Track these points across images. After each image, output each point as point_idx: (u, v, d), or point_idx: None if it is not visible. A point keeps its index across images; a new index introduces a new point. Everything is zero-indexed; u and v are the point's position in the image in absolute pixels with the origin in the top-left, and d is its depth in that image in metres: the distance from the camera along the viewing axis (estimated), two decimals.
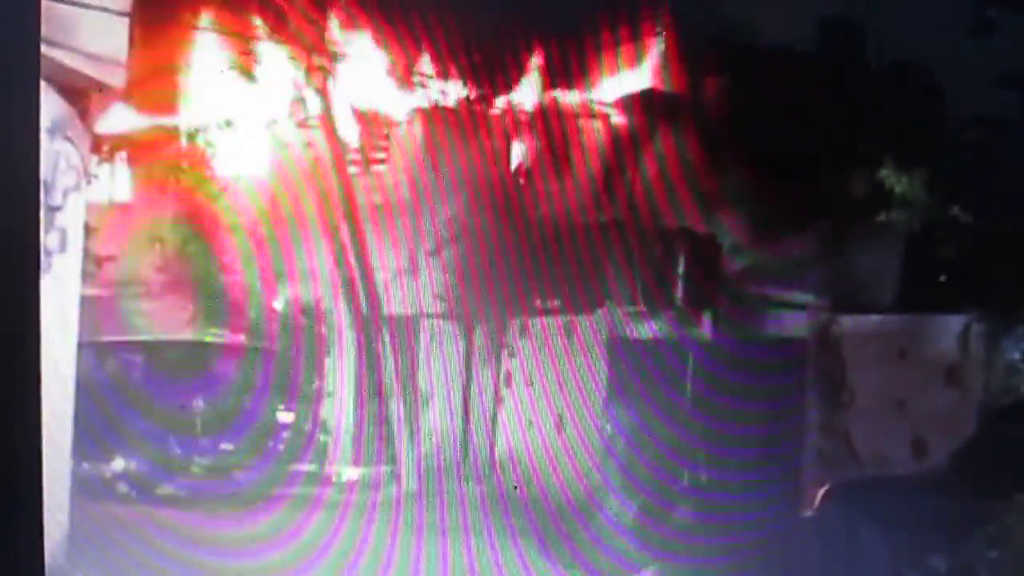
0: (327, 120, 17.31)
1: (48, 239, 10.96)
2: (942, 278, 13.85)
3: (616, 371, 15.17)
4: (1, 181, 5.46)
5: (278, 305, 17.90)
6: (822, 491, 12.51)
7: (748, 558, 11.92)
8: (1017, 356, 13.13)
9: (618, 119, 17.00)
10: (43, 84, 10.19)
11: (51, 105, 11.29)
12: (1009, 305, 13.07)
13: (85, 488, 14.83)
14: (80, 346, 16.59)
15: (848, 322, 14.44)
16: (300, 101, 17.52)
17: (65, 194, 11.49)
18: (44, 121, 10.31)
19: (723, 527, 12.82)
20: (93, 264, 16.67)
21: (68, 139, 11.84)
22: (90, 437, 14.64)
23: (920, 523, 11.77)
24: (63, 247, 11.78)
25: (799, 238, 15.13)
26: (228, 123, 18.04)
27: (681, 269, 15.62)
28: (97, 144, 17.34)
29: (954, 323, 13.63)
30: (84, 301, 17.28)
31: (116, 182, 18.07)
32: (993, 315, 13.27)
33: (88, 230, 16.52)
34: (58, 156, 11.58)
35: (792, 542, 12.07)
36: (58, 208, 11.45)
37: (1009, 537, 11.50)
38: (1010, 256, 13.12)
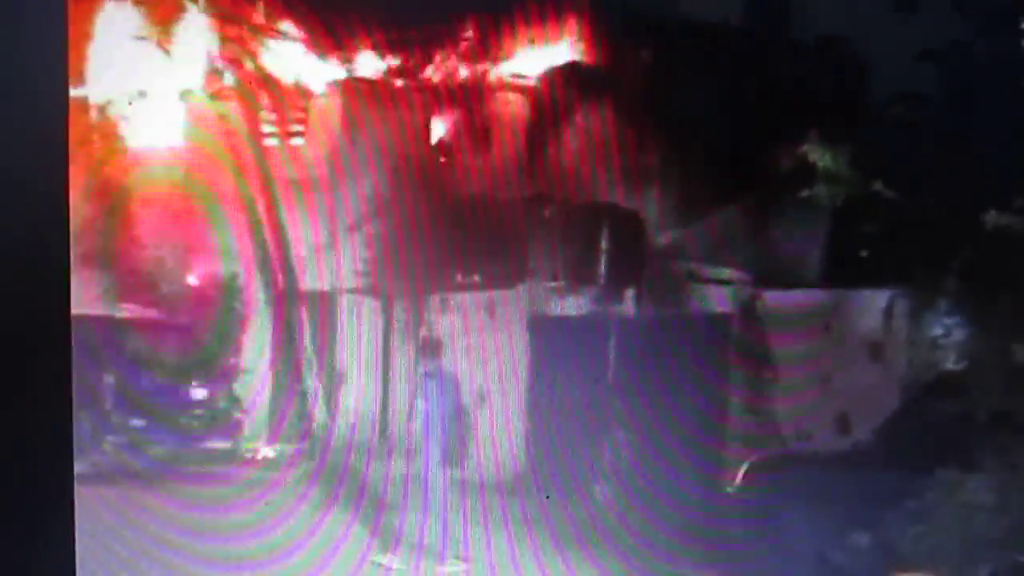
0: (243, 92, 17.01)
1: None
2: (864, 253, 13.80)
3: (537, 347, 15.04)
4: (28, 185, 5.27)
5: (193, 280, 17.58)
6: (743, 468, 12.46)
7: (671, 537, 11.83)
8: (939, 332, 13.14)
9: (539, 93, 16.84)
10: None
11: None
12: (932, 281, 13.07)
13: None
14: None
15: (772, 297, 14.39)
16: (215, 72, 17.20)
17: None
18: None
19: (645, 506, 12.71)
20: None
21: None
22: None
23: (841, 500, 11.74)
24: None
25: (722, 213, 15.07)
26: (140, 94, 17.68)
27: (604, 245, 15.50)
28: None
29: (878, 298, 13.63)
30: None
31: None
32: (916, 291, 13.29)
33: None
34: None
35: (714, 520, 11.98)
36: None
37: (930, 513, 11.51)
38: (932, 232, 13.11)
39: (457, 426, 13.63)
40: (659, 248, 15.26)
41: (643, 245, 15.34)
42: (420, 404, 13.55)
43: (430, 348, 14.49)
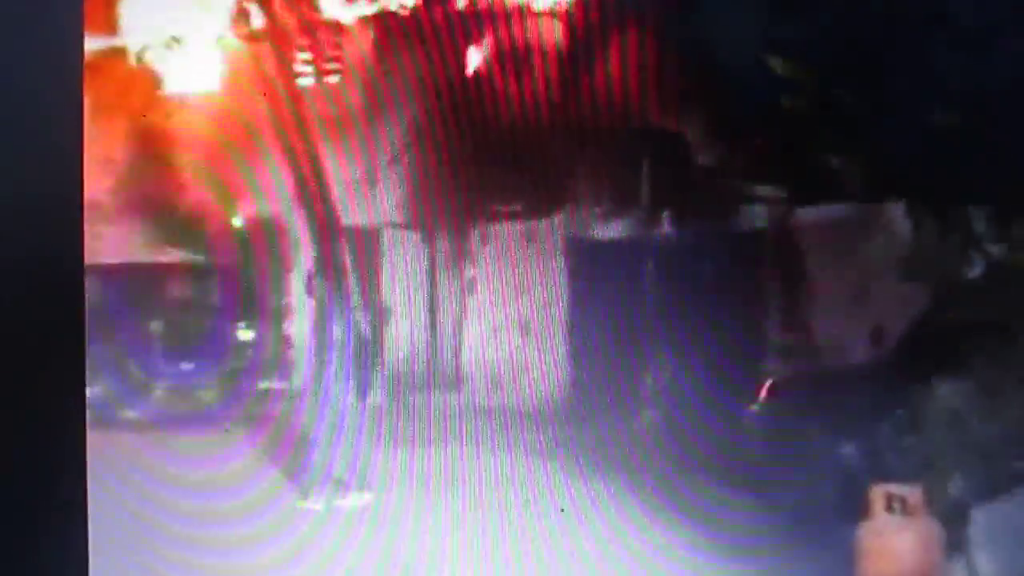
0: (275, 32, 17.01)
1: None
2: (897, 168, 13.63)
3: (578, 273, 15.04)
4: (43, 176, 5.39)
5: (237, 222, 17.70)
6: (767, 384, 12.44)
7: (708, 458, 11.86)
8: (968, 243, 12.99)
9: (578, 15, 16.68)
10: None
11: None
12: (960, 194, 12.91)
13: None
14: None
15: (807, 212, 14.26)
16: (246, 14, 17.21)
17: None
18: None
19: (689, 429, 12.73)
20: None
21: None
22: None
23: (848, 412, 11.71)
24: None
25: (760, 131, 14.92)
26: (175, 40, 17.78)
27: (646, 167, 15.43)
28: None
29: (905, 211, 13.49)
30: None
31: None
32: (944, 203, 13.13)
33: None
34: None
35: (744, 440, 12.00)
36: None
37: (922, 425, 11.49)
38: (963, 147, 12.91)
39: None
40: (701, 168, 15.16)
41: (686, 166, 15.25)
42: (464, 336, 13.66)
43: (470, 280, 14.56)
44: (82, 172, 5.40)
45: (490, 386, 15.73)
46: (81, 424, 5.36)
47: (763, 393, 12.36)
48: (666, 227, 14.86)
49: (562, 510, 12.28)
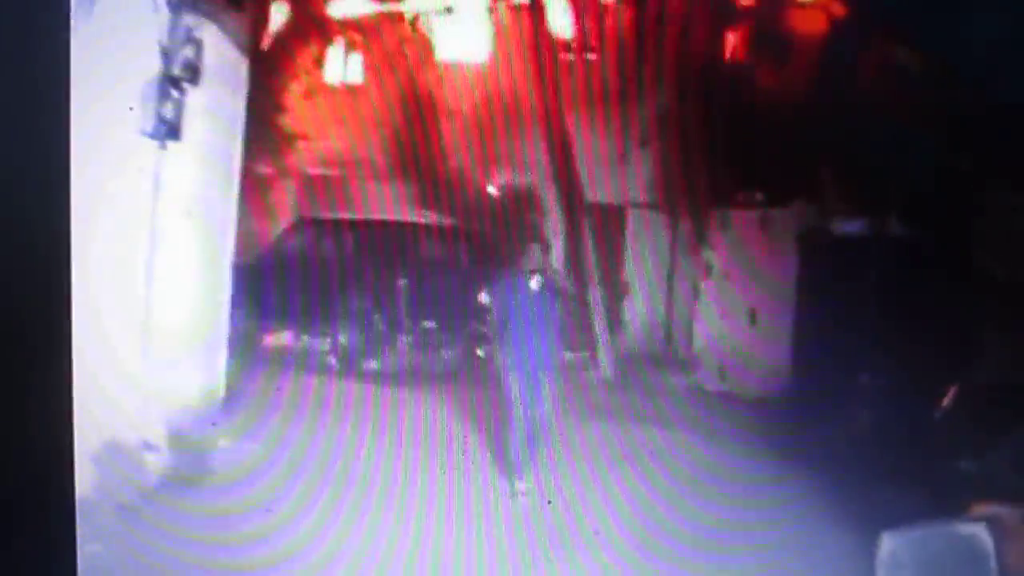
0: (538, 8, 17.39)
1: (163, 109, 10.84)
2: None
3: (808, 266, 14.92)
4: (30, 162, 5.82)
5: (492, 190, 18.27)
6: (951, 390, 12.09)
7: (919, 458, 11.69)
8: None
9: (836, 9, 16.52)
10: None
11: None
12: None
13: (296, 360, 15.73)
14: (298, 221, 17.54)
15: None
16: None
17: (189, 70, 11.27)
18: None
19: (904, 429, 12.55)
20: (286, 141, 17.52)
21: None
22: (302, 309, 15.42)
23: None
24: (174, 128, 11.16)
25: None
26: (448, 9, 18.45)
27: (890, 168, 15.16)
28: (323, 26, 18.25)
29: None
30: (304, 179, 18.26)
31: (335, 65, 18.81)
32: None
33: (281, 108, 17.38)
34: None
35: (944, 446, 11.76)
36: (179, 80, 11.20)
37: None
38: None
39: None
40: (946, 171, 14.77)
41: (931, 170, 14.89)
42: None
43: (706, 265, 14.70)
44: (68, 166, 5.67)
45: (716, 372, 15.84)
46: (68, 426, 5.63)
47: (948, 398, 12.05)
48: (902, 229, 14.58)
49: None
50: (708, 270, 16.33)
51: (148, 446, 10.39)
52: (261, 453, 11.76)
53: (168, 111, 10.49)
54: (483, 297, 16.66)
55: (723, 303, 16.02)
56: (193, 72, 10.79)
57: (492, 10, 18.05)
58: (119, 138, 10.16)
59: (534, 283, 11.81)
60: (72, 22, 8.07)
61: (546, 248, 14.64)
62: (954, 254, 13.66)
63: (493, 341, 12.82)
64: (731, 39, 17.21)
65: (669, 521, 11.11)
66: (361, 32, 18.80)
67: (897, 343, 13.25)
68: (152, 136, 10.52)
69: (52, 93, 6.13)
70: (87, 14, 9.00)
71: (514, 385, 11.62)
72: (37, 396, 5.94)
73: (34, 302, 6.04)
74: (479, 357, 16.34)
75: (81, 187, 8.97)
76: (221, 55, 11.75)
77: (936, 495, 10.50)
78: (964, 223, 14.02)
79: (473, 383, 15.08)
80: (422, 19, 18.59)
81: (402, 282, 16.48)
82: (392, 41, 18.69)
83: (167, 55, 10.42)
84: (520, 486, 11.65)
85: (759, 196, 16.16)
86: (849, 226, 14.86)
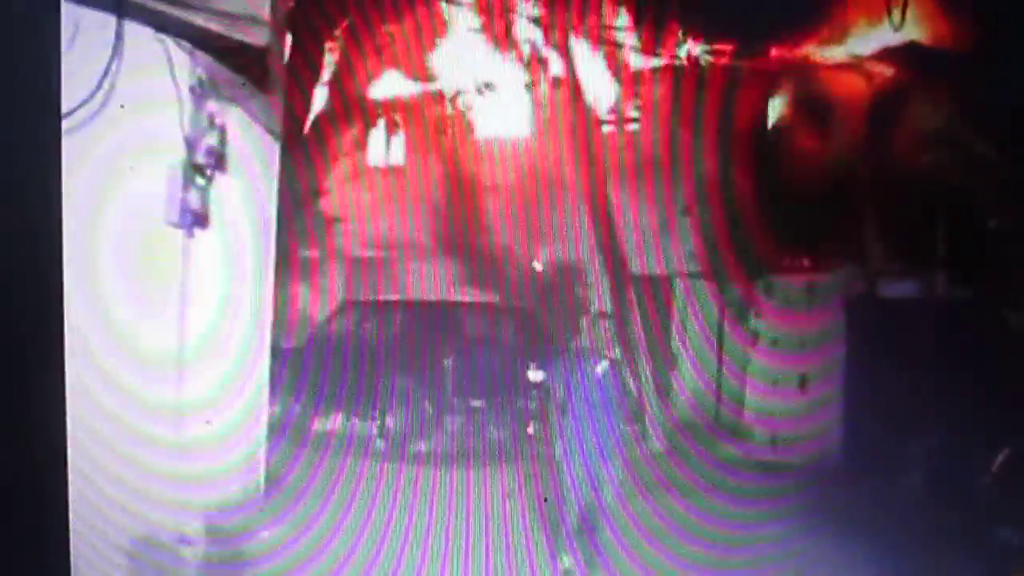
0: (576, 82, 17.34)
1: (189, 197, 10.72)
2: None
3: (855, 330, 14.67)
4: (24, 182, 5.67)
5: (536, 265, 18.13)
6: (1001, 455, 11.81)
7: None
8: None
9: (874, 74, 16.38)
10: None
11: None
12: None
13: (344, 445, 15.58)
14: (342, 304, 17.48)
15: None
16: (546, 62, 17.70)
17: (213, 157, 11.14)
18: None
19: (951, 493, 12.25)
20: (326, 225, 17.47)
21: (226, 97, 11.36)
22: (349, 394, 15.30)
23: None
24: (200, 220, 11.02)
25: None
26: (488, 86, 18.44)
27: (939, 228, 14.94)
28: (365, 107, 18.31)
29: None
30: (348, 262, 18.19)
31: (375, 146, 18.84)
32: None
33: (315, 193, 17.35)
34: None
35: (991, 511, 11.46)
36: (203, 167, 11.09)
37: None
38: None
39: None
40: (998, 233, 14.51)
41: (979, 230, 14.63)
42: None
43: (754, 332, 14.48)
44: (60, 178, 5.53)
45: (767, 441, 15.57)
46: (62, 426, 5.50)
47: (997, 463, 11.78)
48: (950, 290, 14.34)
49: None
50: (756, 337, 16.12)
51: (184, 540, 10.25)
52: (305, 542, 11.59)
53: (194, 199, 10.43)
54: (532, 375, 16.48)
55: (772, 371, 15.78)
56: (218, 159, 10.78)
57: (530, 85, 18.03)
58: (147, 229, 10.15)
59: (600, 368, 11.63)
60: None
61: (618, 325, 14.53)
62: (1004, 314, 13.45)
63: (550, 423, 12.55)
64: (770, 105, 17.08)
65: None
66: (400, 112, 18.86)
67: (948, 406, 13.00)
68: (179, 225, 10.46)
69: (45, 197, 5.99)
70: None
71: (573, 469, 11.39)
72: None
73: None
74: (530, 436, 16.13)
75: (104, 278, 8.92)
76: (250, 140, 11.71)
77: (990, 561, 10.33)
78: (1013, 283, 13.81)
79: (525, 461, 14.89)
80: (461, 97, 18.61)
81: (448, 361, 16.36)
82: (431, 120, 18.73)
83: (190, 142, 10.39)
84: (567, 562, 11.43)
85: (805, 262, 15.98)
86: (897, 288, 14.68)
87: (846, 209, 15.27)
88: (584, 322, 12.55)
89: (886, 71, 16.18)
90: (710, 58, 17.17)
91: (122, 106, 9.68)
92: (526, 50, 17.79)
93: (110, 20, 9.54)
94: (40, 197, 5.59)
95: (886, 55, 16.26)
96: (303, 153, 16.29)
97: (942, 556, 10.82)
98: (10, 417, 5.73)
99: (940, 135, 14.90)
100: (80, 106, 9.03)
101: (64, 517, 6.16)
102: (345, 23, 17.20)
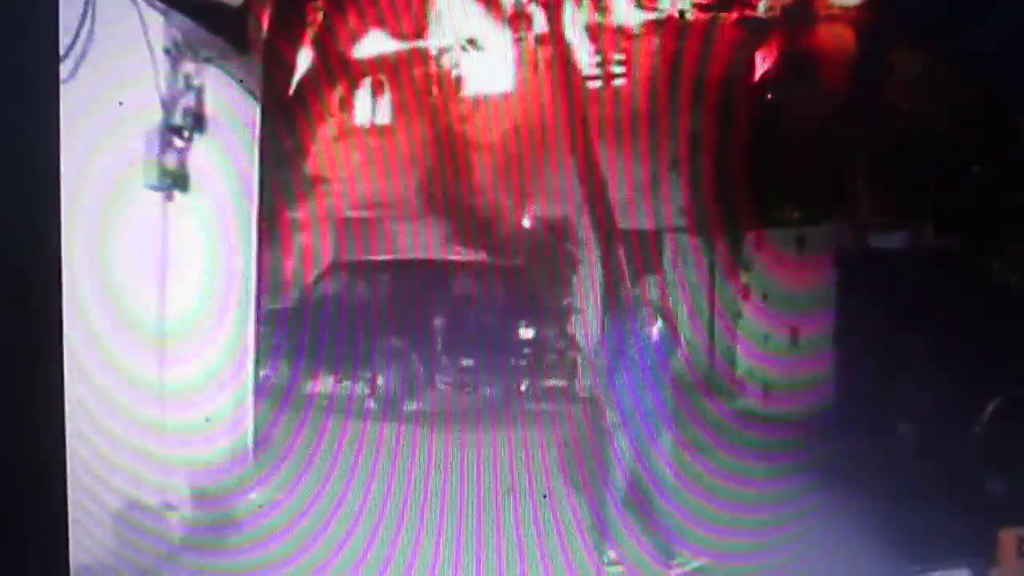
0: (562, 37, 17.21)
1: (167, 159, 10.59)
2: None
3: (847, 283, 14.58)
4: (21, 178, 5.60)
5: (526, 223, 18.04)
6: (991, 405, 11.76)
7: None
8: None
9: (864, 24, 16.23)
10: None
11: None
12: None
13: (332, 406, 15.54)
14: (329, 267, 17.41)
15: None
16: (527, 17, 17.56)
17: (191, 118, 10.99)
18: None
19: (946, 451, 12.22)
20: (312, 185, 17.37)
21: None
22: (335, 354, 15.25)
23: None
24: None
25: None
26: (473, 43, 18.29)
27: (924, 180, 14.85)
28: (348, 66, 18.16)
29: None
30: (337, 221, 18.11)
31: (359, 105, 18.72)
32: None
33: (304, 152, 17.24)
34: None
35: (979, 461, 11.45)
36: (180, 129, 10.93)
37: None
38: None
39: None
40: (981, 181, 14.41)
41: (970, 181, 14.54)
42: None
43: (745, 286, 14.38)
44: (59, 165, 5.46)
45: (759, 395, 15.51)
46: (60, 423, 5.46)
47: (987, 412, 11.73)
48: (940, 241, 14.24)
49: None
50: (747, 291, 16.03)
51: (169, 506, 10.21)
52: (295, 505, 11.54)
53: (172, 162, 10.33)
54: (522, 332, 16.44)
55: (763, 324, 15.71)
56: (196, 120, 10.66)
57: (516, 41, 17.88)
58: (125, 192, 10.05)
59: (655, 329, 11.28)
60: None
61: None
62: (995, 265, 13.36)
63: (600, 389, 12.04)
64: (758, 56, 16.94)
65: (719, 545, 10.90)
66: (385, 71, 18.72)
67: (939, 357, 12.93)
68: (157, 188, 10.36)
69: (41, 154, 5.92)
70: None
71: (623, 441, 10.86)
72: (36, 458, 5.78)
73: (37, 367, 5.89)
74: (522, 393, 16.12)
75: (82, 244, 8.83)
76: (230, 101, 11.58)
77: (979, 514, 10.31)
78: (1004, 232, 13.71)
79: (517, 422, 14.89)
80: (447, 55, 18.46)
81: (439, 320, 16.31)
82: (417, 78, 18.59)
83: (167, 104, 10.27)
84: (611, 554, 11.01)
85: (795, 214, 15.89)
86: (887, 240, 14.59)
87: (835, 160, 15.19)
88: (572, 279, 12.41)
89: (873, 20, 16.04)
90: (696, 10, 17.05)
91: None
92: (511, 5, 17.69)
93: None
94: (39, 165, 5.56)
95: (873, 3, 16.15)
96: (286, 113, 16.17)
97: (933, 508, 10.83)
98: (6, 370, 5.72)
99: (928, 83, 14.79)
100: None
101: (62, 484, 6.16)
102: None
